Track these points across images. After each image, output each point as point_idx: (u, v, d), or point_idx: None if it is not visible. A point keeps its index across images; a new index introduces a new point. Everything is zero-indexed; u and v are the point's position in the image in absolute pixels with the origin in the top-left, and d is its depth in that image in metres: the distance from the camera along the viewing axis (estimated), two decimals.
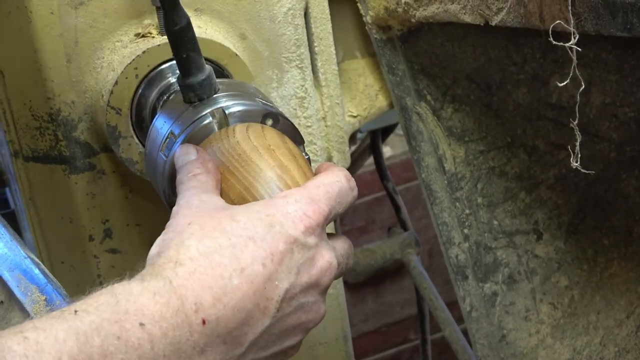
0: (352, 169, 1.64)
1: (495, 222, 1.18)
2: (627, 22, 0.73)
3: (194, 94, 0.86)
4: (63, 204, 1.09)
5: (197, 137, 0.85)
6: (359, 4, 1.14)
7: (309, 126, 1.12)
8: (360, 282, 2.55)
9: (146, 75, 0.99)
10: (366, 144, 1.83)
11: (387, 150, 2.62)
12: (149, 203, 1.09)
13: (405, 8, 1.03)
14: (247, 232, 0.72)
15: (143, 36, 1.01)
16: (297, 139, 0.88)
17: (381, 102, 1.23)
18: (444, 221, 1.17)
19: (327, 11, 1.12)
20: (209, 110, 0.86)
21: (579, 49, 0.74)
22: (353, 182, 0.82)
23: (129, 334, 0.64)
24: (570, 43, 0.74)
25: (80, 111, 1.03)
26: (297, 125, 0.90)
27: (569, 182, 1.17)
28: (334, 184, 0.79)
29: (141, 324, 0.64)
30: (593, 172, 0.87)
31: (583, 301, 1.20)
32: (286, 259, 0.72)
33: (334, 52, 1.14)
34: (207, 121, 0.85)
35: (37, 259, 0.83)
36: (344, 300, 1.25)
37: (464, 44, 1.09)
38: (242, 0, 1.04)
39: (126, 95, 0.99)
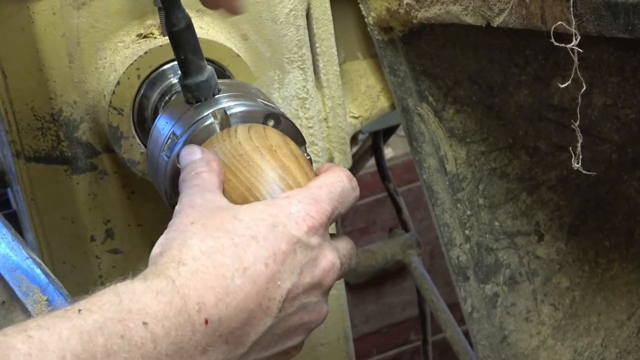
0: (353, 170, 1.64)
1: (497, 223, 1.18)
2: (629, 23, 0.73)
3: (192, 95, 0.86)
4: (65, 205, 1.09)
5: (199, 138, 0.85)
6: (360, 5, 1.14)
7: (310, 127, 1.12)
8: (362, 283, 2.55)
9: (148, 76, 0.99)
10: (368, 145, 1.82)
11: (388, 152, 2.62)
12: (151, 203, 1.09)
13: (407, 9, 1.03)
14: (250, 231, 0.72)
15: (145, 37, 1.01)
16: (299, 139, 0.88)
17: (383, 103, 1.23)
18: (445, 222, 1.17)
19: (329, 12, 1.12)
20: (210, 111, 0.86)
21: (581, 51, 0.74)
22: (355, 182, 0.82)
23: (132, 333, 0.64)
24: (571, 44, 0.74)
25: (82, 111, 1.03)
26: (298, 126, 0.90)
27: (571, 183, 1.17)
28: (336, 184, 0.79)
29: (144, 323, 0.64)
30: (594, 173, 0.87)
31: (584, 302, 1.20)
32: (289, 259, 0.72)
33: (336, 53, 1.14)
34: (208, 122, 0.85)
35: (38, 260, 0.83)
36: (345, 301, 1.25)
37: (466, 45, 1.10)
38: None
39: (128, 95, 0.99)
